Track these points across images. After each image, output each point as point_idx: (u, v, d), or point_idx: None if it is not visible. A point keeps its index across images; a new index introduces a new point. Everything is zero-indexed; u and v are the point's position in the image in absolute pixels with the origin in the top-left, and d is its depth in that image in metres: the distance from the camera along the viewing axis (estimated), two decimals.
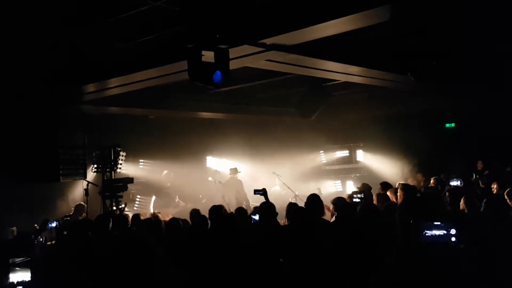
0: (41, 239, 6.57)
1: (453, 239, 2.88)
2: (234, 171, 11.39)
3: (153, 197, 10.84)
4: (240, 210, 6.65)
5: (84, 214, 8.26)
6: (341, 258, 4.35)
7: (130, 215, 7.33)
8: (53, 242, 6.63)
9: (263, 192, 6.60)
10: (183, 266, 4.19)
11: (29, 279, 4.60)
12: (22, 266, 4.95)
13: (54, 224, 6.79)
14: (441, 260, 2.90)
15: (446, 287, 2.86)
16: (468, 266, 3.21)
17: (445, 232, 2.89)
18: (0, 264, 4.86)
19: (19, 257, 5.27)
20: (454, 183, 7.63)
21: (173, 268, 3.57)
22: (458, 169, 10.65)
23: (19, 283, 4.59)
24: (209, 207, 6.29)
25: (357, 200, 6.76)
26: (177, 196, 10.98)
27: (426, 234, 2.90)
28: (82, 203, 8.52)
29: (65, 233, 6.49)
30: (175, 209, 10.26)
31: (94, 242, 5.40)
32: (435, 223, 2.91)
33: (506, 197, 6.46)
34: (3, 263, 4.87)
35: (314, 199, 5.83)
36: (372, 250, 4.18)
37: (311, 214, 5.40)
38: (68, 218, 7.90)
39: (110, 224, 6.21)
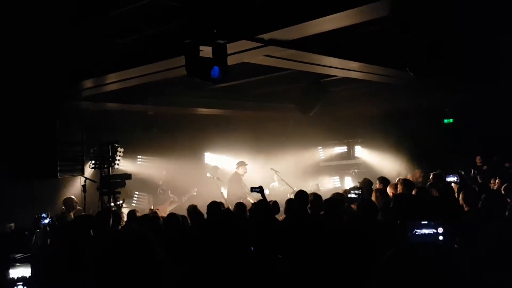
0: (37, 232, 6.54)
1: (440, 237, 2.85)
2: (239, 164, 11.00)
3: (151, 197, 10.83)
4: (239, 206, 6.63)
5: (78, 208, 8.22)
6: (332, 254, 4.34)
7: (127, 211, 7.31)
8: (53, 238, 6.60)
9: (259, 189, 6.59)
10: (182, 263, 4.19)
11: (29, 275, 4.58)
12: (23, 262, 4.92)
13: (47, 221, 6.76)
14: (435, 259, 2.88)
15: (442, 286, 2.85)
16: (463, 265, 3.19)
17: (434, 230, 2.87)
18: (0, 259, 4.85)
19: (16, 254, 5.25)
20: (451, 179, 7.55)
21: (173, 267, 3.57)
22: (457, 164, 10.64)
23: (19, 279, 4.56)
24: (207, 203, 6.29)
25: (354, 195, 6.68)
26: (169, 191, 10.90)
27: (416, 233, 2.89)
28: (70, 196, 8.45)
29: (65, 229, 6.46)
30: (171, 205, 10.22)
31: (94, 239, 5.39)
32: (423, 222, 2.89)
33: (503, 192, 6.45)
34: (2, 258, 4.86)
35: (300, 195, 5.91)
36: (367, 246, 4.17)
37: (302, 209, 5.44)
38: (64, 212, 7.89)
39: (111, 221, 6.18)
